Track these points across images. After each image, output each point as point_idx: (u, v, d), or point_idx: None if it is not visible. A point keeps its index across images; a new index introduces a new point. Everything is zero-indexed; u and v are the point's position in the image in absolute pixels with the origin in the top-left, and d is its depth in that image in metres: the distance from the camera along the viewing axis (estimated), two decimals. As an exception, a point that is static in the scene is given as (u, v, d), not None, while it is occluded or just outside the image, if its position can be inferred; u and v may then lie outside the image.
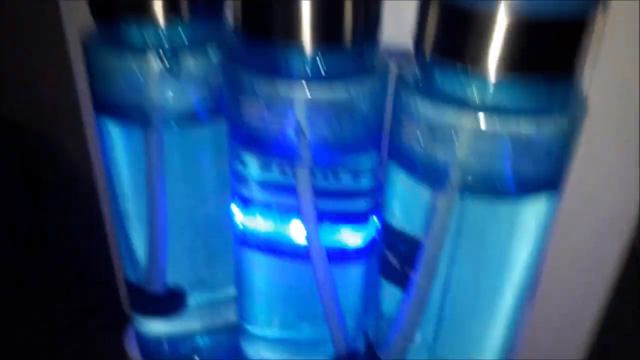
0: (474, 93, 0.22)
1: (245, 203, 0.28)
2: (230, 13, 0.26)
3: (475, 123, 0.22)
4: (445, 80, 0.23)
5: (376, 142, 0.27)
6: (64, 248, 0.69)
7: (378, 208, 0.28)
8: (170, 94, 0.27)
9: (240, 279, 0.31)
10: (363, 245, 0.29)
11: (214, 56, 0.28)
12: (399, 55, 0.28)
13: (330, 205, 0.27)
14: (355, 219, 0.29)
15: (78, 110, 0.42)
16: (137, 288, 0.34)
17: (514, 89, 0.22)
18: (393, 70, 0.27)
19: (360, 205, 0.28)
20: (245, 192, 0.28)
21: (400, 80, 0.25)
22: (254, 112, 0.25)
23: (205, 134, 0.29)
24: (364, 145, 0.27)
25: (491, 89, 0.22)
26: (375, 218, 0.29)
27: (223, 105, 0.29)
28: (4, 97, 0.60)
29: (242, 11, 0.24)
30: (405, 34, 0.26)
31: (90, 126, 0.43)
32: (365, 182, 0.27)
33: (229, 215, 0.30)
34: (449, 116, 0.23)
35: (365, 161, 0.27)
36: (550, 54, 0.21)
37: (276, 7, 0.23)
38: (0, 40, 0.54)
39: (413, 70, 0.25)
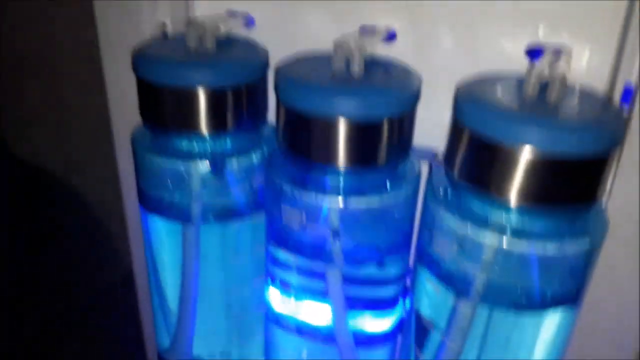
0: (500, 215, 0.24)
1: (279, 286, 0.30)
2: (273, 119, 0.28)
3: (499, 243, 0.24)
4: (472, 200, 0.24)
5: (406, 237, 0.29)
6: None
7: (407, 291, 0.30)
8: (213, 194, 0.29)
9: (270, 356, 0.33)
10: (390, 330, 0.31)
11: (256, 159, 0.29)
12: (429, 155, 0.30)
13: (359, 292, 0.29)
14: (383, 304, 0.30)
15: (118, 185, 0.43)
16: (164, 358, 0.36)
17: (538, 215, 0.24)
18: (423, 170, 0.29)
19: (387, 291, 0.30)
20: (279, 276, 0.30)
21: (430, 190, 0.26)
22: (293, 219, 0.27)
23: (243, 225, 0.31)
24: (395, 244, 0.28)
25: (516, 214, 0.24)
26: (405, 300, 0.31)
27: (262, 201, 0.30)
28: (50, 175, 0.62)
29: (284, 133, 0.26)
30: (435, 128, 0.27)
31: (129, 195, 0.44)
32: (393, 271, 0.29)
33: (260, 296, 0.32)
34: (474, 234, 0.24)
35: (395, 255, 0.29)
36: (571, 188, 0.23)
37: (315, 134, 0.24)
38: (50, 137, 0.57)
39: (442, 181, 0.26)
